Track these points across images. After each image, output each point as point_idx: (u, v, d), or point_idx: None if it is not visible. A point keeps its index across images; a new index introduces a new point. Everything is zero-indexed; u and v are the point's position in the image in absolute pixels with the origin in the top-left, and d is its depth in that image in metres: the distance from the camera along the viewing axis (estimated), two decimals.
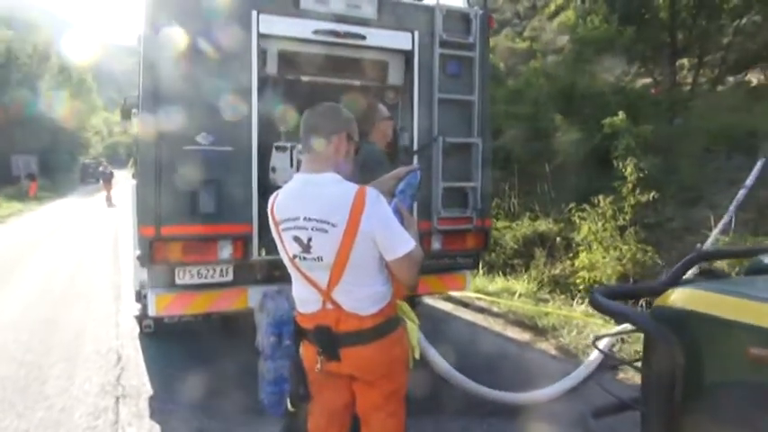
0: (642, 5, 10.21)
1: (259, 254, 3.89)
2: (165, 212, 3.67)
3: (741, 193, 6.96)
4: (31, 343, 5.22)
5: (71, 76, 39.67)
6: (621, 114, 7.33)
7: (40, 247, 11.75)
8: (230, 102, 3.77)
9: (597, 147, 8.23)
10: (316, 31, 4.05)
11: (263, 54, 4.01)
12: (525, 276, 7.27)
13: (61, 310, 6.46)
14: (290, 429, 2.63)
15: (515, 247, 7.96)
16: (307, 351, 2.04)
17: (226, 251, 3.85)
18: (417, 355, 2.13)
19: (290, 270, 2.04)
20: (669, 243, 6.97)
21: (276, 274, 3.84)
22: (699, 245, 6.51)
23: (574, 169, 8.53)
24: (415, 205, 3.85)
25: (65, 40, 39.20)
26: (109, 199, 23.73)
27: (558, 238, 7.57)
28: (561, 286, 6.87)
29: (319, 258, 1.90)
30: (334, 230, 1.85)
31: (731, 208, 6.78)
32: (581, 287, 6.60)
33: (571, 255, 7.26)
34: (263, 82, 4.07)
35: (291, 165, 4.55)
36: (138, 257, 3.91)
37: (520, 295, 6.59)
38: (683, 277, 1.88)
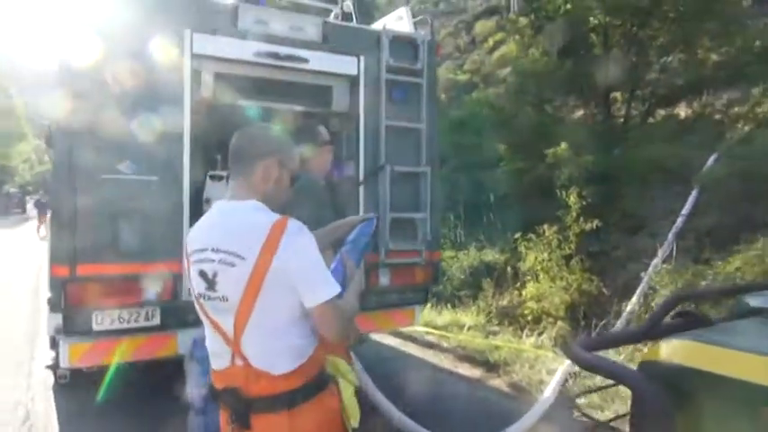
0: (578, 41, 10.53)
1: (190, 294, 3.52)
2: (81, 249, 3.26)
3: (679, 221, 7.17)
4: None
5: None
6: (564, 145, 7.41)
7: None
8: (159, 127, 3.43)
9: (541, 176, 8.28)
10: (256, 53, 3.80)
11: (197, 76, 3.71)
12: (473, 308, 7.12)
13: None
14: None
15: (462, 277, 7.83)
16: (222, 415, 1.71)
17: (151, 292, 3.46)
18: (355, 423, 1.77)
19: (198, 313, 1.74)
20: (614, 271, 7.00)
21: None
22: (643, 273, 6.60)
23: (518, 198, 8.55)
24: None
25: None
26: (41, 230, 22.19)
27: (506, 268, 7.49)
28: (510, 317, 6.75)
29: (224, 298, 1.60)
30: (243, 265, 1.55)
31: (670, 236, 6.95)
32: (529, 318, 6.50)
33: (518, 285, 7.18)
34: (198, 105, 3.76)
35: None
36: (49, 301, 3.44)
37: (469, 328, 6.42)
38: (664, 322, 1.71)
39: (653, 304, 5.89)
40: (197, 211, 3.82)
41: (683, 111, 11.27)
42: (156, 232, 3.44)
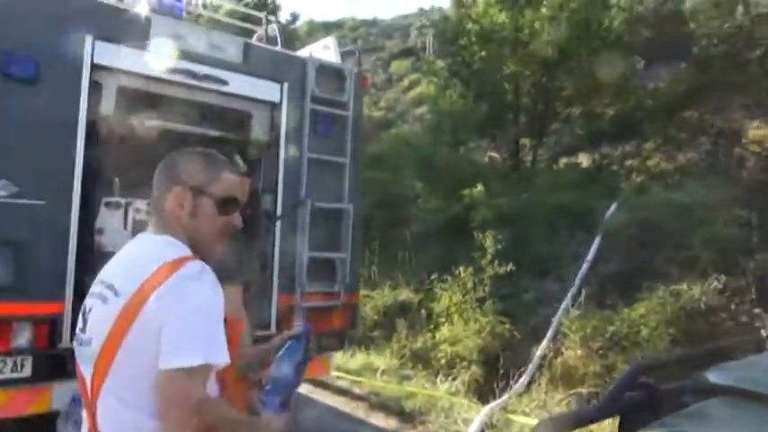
0: (492, 87, 10.94)
1: (71, 340, 3.00)
2: None
3: (584, 266, 7.44)
4: None
5: None
6: (480, 187, 7.50)
7: None
8: (45, 143, 2.96)
9: (456, 216, 8.34)
10: (168, 70, 3.43)
11: (96, 89, 3.27)
12: (387, 350, 6.89)
13: None
14: None
15: (376, 318, 7.60)
16: None
17: (23, 337, 2.91)
18: None
19: None
20: (524, 314, 7.07)
21: None
22: (551, 318, 6.72)
23: (434, 237, 8.55)
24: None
25: None
26: None
27: (420, 309, 7.36)
28: (424, 360, 6.58)
29: (89, 341, 1.32)
30: (114, 302, 1.28)
31: (577, 281, 7.17)
32: (443, 362, 6.37)
33: (432, 326, 7.06)
34: (96, 122, 3.31)
35: (126, 226, 3.68)
36: None
37: (382, 372, 6.17)
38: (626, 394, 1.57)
39: (563, 349, 5.97)
40: (86, 242, 3.33)
41: (585, 160, 12.00)
42: (34, 266, 2.92)
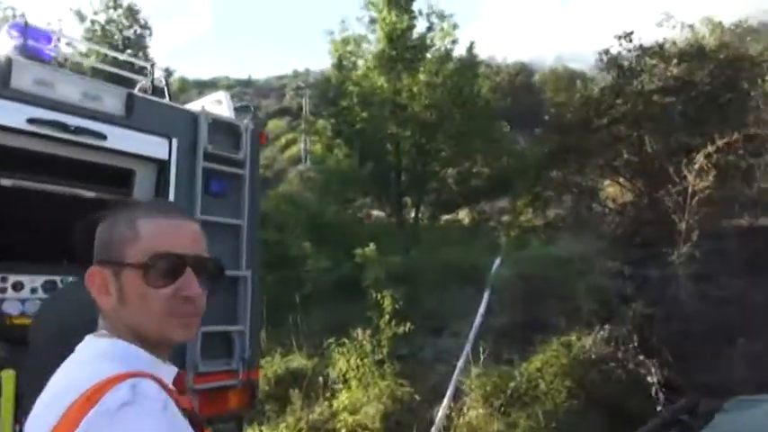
0: (375, 147, 11.16)
1: None
2: None
3: (477, 321, 7.54)
4: None
5: None
6: (372, 245, 7.41)
7: None
8: None
9: (347, 276, 8.14)
10: (32, 120, 2.93)
11: None
12: (282, 425, 6.33)
13: None
14: None
15: (267, 389, 7.01)
16: None
17: None
18: None
19: None
20: (423, 374, 6.93)
21: None
22: (450, 375, 6.64)
23: (325, 298, 8.24)
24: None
25: None
26: None
27: (319, 377, 6.93)
28: None
29: None
30: None
31: (471, 336, 7.22)
32: None
33: (329, 394, 6.65)
34: None
35: None
36: None
37: None
38: None
39: (464, 408, 5.88)
40: None
41: (464, 216, 12.56)
42: None
